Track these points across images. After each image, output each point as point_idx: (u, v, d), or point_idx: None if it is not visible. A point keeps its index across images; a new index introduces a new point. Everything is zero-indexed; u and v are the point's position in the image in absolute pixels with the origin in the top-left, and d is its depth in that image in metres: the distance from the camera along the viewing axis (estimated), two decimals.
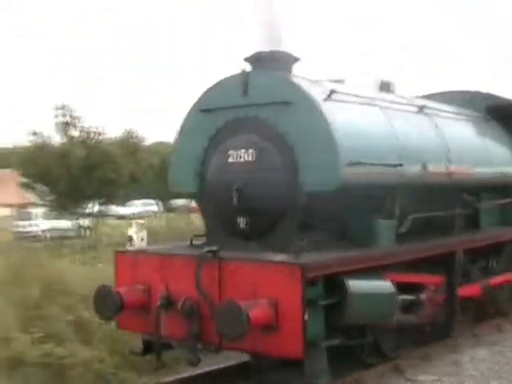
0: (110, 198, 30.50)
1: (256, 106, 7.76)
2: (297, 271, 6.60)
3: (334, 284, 7.12)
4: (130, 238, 7.85)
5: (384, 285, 7.60)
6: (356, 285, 7.18)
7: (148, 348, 7.95)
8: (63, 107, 27.70)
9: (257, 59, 8.02)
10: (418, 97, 11.05)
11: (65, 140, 28.04)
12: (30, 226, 38.57)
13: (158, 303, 7.45)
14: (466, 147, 9.65)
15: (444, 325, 9.17)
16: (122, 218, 45.96)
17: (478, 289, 9.61)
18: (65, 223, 30.63)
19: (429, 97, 11.20)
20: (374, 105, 8.32)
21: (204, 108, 8.22)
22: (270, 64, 7.91)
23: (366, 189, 7.68)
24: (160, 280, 7.61)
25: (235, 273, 7.07)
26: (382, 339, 8.29)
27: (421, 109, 9.20)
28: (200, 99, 8.32)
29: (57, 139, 28.15)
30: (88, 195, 27.92)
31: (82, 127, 27.88)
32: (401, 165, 7.98)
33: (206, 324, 7.09)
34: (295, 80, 7.72)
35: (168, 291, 7.48)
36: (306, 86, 7.65)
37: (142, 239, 7.91)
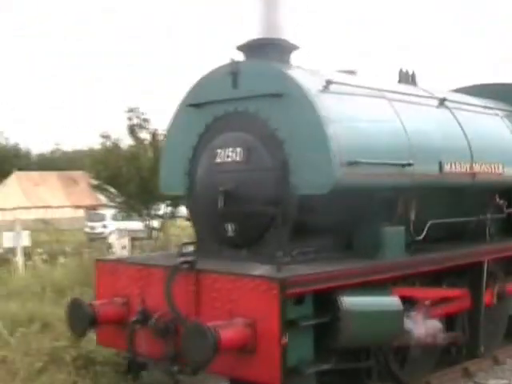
0: (178, 199, 30.12)
1: (246, 99, 6.94)
2: (274, 287, 5.75)
3: (327, 301, 6.25)
4: (110, 246, 7.14)
5: (389, 301, 6.66)
6: (353, 302, 6.27)
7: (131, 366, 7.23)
8: (133, 110, 27.54)
9: (249, 47, 7.20)
10: (450, 91, 10.06)
11: (134, 142, 27.91)
12: (102, 227, 38.90)
13: (133, 319, 6.73)
14: (494, 145, 8.56)
15: (470, 343, 8.15)
16: None
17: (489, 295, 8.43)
18: (135, 224, 30.53)
19: (461, 90, 10.15)
20: (382, 97, 7.36)
21: (192, 102, 7.44)
22: (265, 52, 7.07)
23: (368, 192, 6.77)
24: (138, 293, 6.89)
25: (212, 287, 6.27)
26: (393, 361, 7.35)
27: (441, 102, 8.18)
28: (189, 93, 7.55)
29: (126, 142, 28.02)
30: (157, 197, 27.68)
31: (153, 129, 27.63)
32: (410, 164, 7.02)
33: None
34: (288, 69, 6.85)
35: (144, 306, 6.75)
36: (299, 76, 6.78)
37: (124, 247, 7.16)
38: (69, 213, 58.89)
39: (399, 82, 8.70)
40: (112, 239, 7.08)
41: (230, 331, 5.82)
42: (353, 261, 6.70)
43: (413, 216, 7.50)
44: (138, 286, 6.89)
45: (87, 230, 39.71)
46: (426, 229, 7.61)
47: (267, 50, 7.08)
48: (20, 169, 68.44)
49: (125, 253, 7.29)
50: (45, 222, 43.64)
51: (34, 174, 68.23)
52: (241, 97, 6.96)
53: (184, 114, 7.57)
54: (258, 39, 7.13)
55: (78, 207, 59.77)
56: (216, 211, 6.96)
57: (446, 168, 7.56)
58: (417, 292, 7.21)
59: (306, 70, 7.06)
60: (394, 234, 7.01)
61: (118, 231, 7.13)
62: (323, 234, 6.86)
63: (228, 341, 5.73)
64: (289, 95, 6.61)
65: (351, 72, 8.02)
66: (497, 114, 9.18)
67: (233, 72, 7.03)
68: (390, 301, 6.65)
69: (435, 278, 7.70)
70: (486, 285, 8.10)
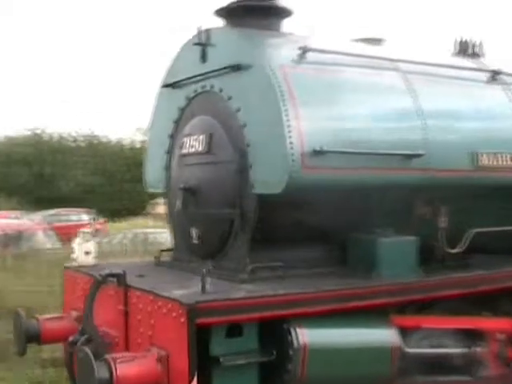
0: None
1: (212, 74, 5.64)
2: (182, 314, 4.43)
3: (279, 334, 4.82)
4: (73, 251, 6.20)
5: (375, 334, 5.08)
6: (311, 335, 4.78)
7: None
8: None
9: (229, 12, 5.86)
10: None
11: None
12: None
13: (71, 338, 5.67)
14: None
15: None
16: None
17: None
18: None
19: None
20: (393, 69, 5.70)
21: (168, 82, 6.25)
22: (248, 18, 5.70)
23: (351, 190, 5.19)
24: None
25: (137, 308, 5.05)
26: None
27: (493, 76, 6.28)
28: (167, 70, 6.36)
29: None
30: None
31: None
32: (419, 155, 5.35)
33: None
34: (258, 37, 5.45)
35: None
36: (269, 44, 5.38)
37: (88, 253, 6.12)
38: None
39: (456, 53, 6.94)
40: (75, 243, 6.10)
41: (133, 366, 4.58)
42: (338, 280, 5.17)
43: (443, 223, 5.80)
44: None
45: None
46: (466, 239, 5.89)
47: (251, 16, 5.72)
48: None
49: (89, 260, 6.16)
50: None
51: None
52: (208, 72, 5.67)
53: (162, 97, 6.41)
54: (239, 1, 5.79)
55: None
56: (180, 213, 5.78)
57: (483, 161, 5.75)
58: (426, 322, 5.49)
59: (286, 37, 5.64)
60: (394, 247, 5.37)
61: (81, 234, 6.12)
62: (303, 246, 5.41)
63: (127, 378, 4.50)
64: (251, 68, 5.24)
65: (376, 40, 6.45)
66: None
67: (200, 43, 5.74)
68: (377, 334, 5.07)
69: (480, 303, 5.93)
70: None
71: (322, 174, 4.97)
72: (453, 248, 5.89)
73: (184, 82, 5.98)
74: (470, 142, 5.73)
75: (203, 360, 4.55)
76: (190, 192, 5.65)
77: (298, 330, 4.74)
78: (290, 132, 4.86)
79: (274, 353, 4.75)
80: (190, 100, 5.97)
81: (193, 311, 4.38)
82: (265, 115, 5.04)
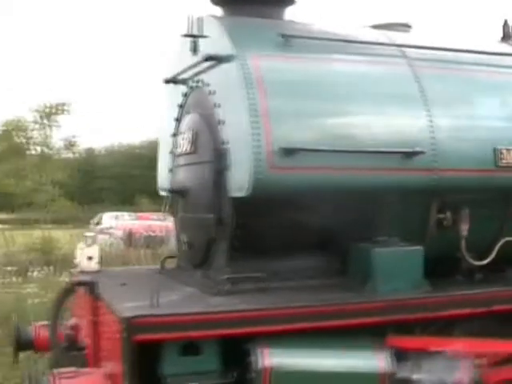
0: None
1: (202, 67, 5.21)
2: (118, 330, 4.04)
3: (244, 353, 4.33)
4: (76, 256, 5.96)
5: (360, 357, 4.45)
6: (280, 357, 4.25)
7: None
8: None
9: (225, 0, 5.41)
10: None
11: None
12: None
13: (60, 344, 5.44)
14: None
15: None
16: None
17: None
18: None
19: None
20: (398, 56, 5.02)
21: (167, 77, 5.87)
22: (245, 7, 5.24)
23: (339, 194, 4.59)
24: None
25: (102, 319, 4.73)
26: None
27: None
28: (168, 65, 6.00)
29: None
30: None
31: None
32: (418, 153, 4.66)
33: None
34: (238, 24, 4.97)
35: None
36: (251, 32, 4.89)
37: (91, 258, 5.85)
38: None
39: (503, 39, 6.13)
40: (78, 248, 5.83)
41: (77, 383, 4.25)
42: (325, 295, 4.58)
43: (465, 231, 5.07)
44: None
45: None
46: (495, 250, 5.16)
47: (247, 3, 5.26)
48: None
49: (92, 265, 5.90)
50: None
51: None
52: (197, 65, 5.25)
53: (167, 93, 6.05)
54: None
55: None
56: (174, 218, 5.43)
57: (507, 158, 4.96)
58: (431, 343, 4.76)
59: (279, 25, 5.10)
60: (393, 258, 4.71)
61: (85, 238, 5.87)
62: (293, 255, 4.87)
63: None
64: (228, 59, 4.76)
65: (403, 25, 5.78)
66: None
67: (189, 34, 5.31)
68: (360, 357, 4.44)
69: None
70: None
71: (294, 175, 4.42)
72: (481, 259, 5.17)
73: (181, 76, 5.58)
74: (490, 138, 4.95)
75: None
76: (180, 195, 5.27)
77: (261, 350, 4.22)
78: (257, 129, 4.36)
79: (235, 375, 4.27)
80: (185, 96, 5.58)
81: (130, 326, 3.98)
82: (235, 110, 4.57)
